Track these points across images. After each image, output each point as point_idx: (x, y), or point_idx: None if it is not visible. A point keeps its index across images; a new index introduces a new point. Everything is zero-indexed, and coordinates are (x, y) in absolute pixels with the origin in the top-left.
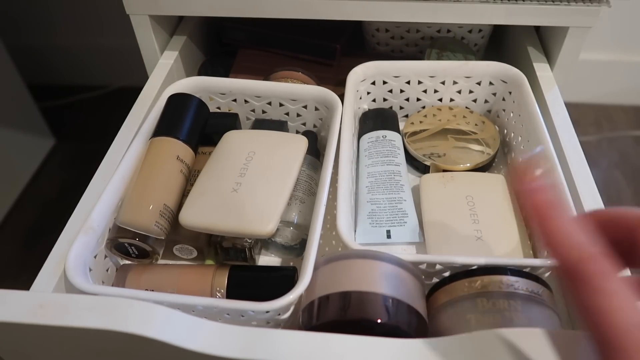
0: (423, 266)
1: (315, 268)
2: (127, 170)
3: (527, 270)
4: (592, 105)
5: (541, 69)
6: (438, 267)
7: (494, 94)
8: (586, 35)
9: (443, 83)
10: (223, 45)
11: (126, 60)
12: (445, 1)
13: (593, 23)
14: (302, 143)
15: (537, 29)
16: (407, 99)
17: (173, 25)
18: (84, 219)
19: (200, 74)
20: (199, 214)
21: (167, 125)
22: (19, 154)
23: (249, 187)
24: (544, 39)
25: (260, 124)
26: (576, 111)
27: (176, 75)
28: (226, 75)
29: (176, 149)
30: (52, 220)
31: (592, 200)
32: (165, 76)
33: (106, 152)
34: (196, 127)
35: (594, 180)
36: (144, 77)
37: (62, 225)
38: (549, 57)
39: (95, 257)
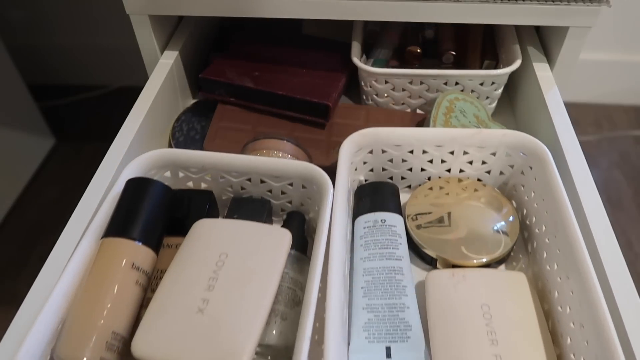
0: None
1: None
2: (69, 284)
3: None
4: (592, 105)
5: (541, 69)
6: None
7: (512, 166)
8: (586, 35)
9: (452, 153)
10: (223, 47)
11: (126, 60)
12: (445, 1)
13: (593, 23)
14: (285, 240)
15: (537, 29)
16: (410, 169)
17: (173, 25)
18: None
19: (174, 130)
20: (155, 343)
21: (121, 221)
22: (19, 154)
23: (217, 305)
24: (544, 39)
25: (239, 204)
26: (576, 111)
27: (176, 75)
28: (205, 130)
29: (131, 254)
30: (52, 220)
31: (592, 200)
32: (165, 76)
33: (106, 152)
34: (158, 221)
35: (594, 180)
36: (144, 77)
37: (62, 225)
38: (549, 57)
39: None
